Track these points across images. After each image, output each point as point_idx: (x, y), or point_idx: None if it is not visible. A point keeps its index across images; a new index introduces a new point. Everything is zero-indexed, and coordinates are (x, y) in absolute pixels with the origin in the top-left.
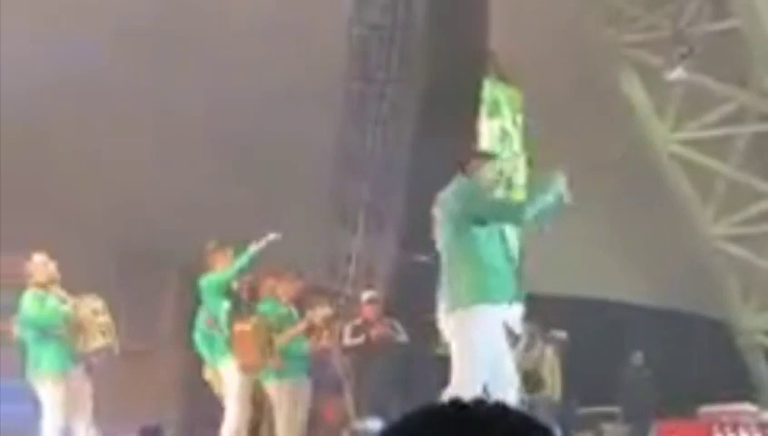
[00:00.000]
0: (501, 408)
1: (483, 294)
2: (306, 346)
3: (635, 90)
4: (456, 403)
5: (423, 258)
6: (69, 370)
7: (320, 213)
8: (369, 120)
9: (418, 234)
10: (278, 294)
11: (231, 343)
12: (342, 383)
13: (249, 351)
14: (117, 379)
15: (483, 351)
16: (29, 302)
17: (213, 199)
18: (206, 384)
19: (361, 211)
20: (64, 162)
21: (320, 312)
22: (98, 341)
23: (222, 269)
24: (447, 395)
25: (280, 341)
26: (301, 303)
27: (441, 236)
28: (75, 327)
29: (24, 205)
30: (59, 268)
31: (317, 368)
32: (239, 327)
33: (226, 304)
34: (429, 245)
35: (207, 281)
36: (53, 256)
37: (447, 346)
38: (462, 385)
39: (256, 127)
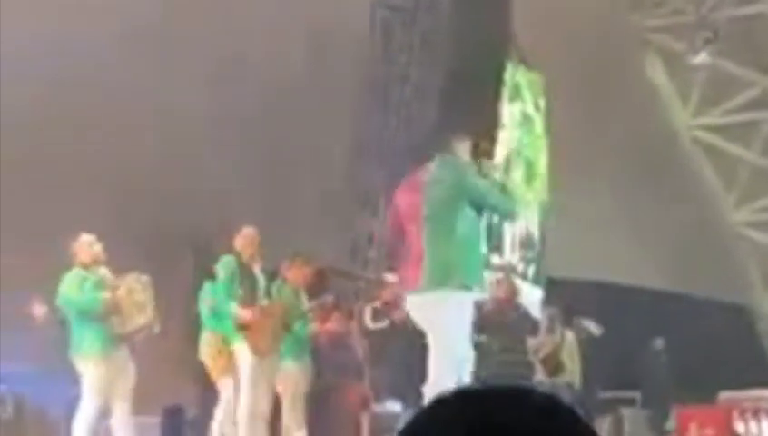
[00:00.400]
0: (528, 389)
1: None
2: (307, 329)
3: (658, 75)
4: (480, 389)
5: None
6: (110, 352)
7: (339, 196)
8: (391, 102)
9: None
10: (288, 279)
11: (242, 326)
12: (362, 366)
13: (261, 334)
14: (137, 360)
15: (460, 331)
16: (68, 283)
17: (234, 183)
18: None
19: (383, 194)
20: (88, 145)
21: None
22: (135, 321)
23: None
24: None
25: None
26: (321, 286)
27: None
28: (114, 309)
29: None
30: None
31: (336, 351)
32: (252, 309)
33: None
34: None
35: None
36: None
37: (474, 331)
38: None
39: (275, 111)
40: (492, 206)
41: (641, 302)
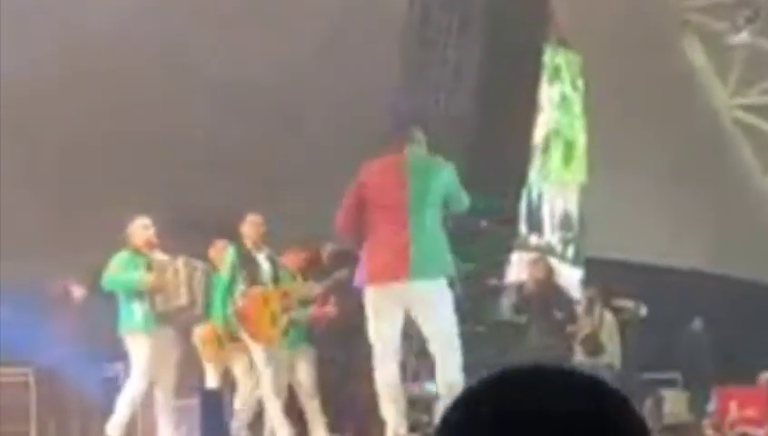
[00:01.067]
0: (572, 370)
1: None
2: (305, 314)
3: (696, 55)
4: (526, 369)
5: (484, 223)
6: (153, 329)
7: None
8: (429, 85)
9: (480, 198)
10: (286, 265)
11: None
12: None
13: (256, 320)
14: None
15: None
16: (116, 263)
17: (267, 162)
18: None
19: None
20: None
21: (342, 274)
22: (177, 302)
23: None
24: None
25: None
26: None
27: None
28: (158, 288)
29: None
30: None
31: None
32: (248, 294)
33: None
34: (492, 209)
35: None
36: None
37: (509, 311)
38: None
39: (314, 93)
40: (462, 203)
41: (681, 282)
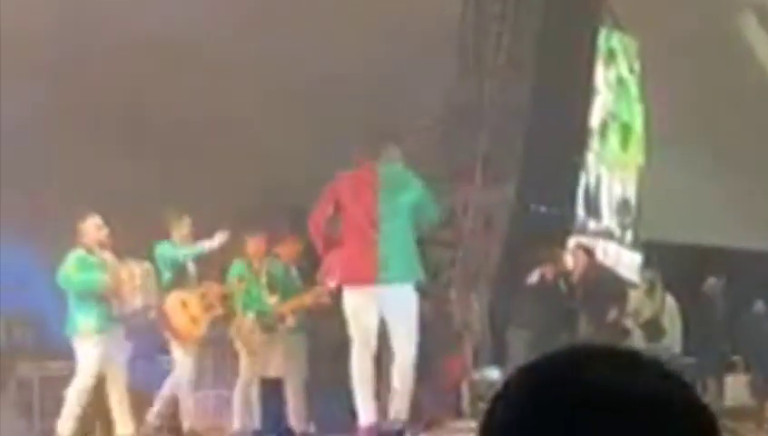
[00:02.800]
0: (635, 352)
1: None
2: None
3: (754, 34)
4: (590, 349)
5: (542, 208)
6: (105, 331)
7: (433, 165)
8: (484, 71)
9: (534, 184)
10: (280, 256)
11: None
12: (462, 336)
13: (175, 322)
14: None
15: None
16: (71, 262)
17: (322, 150)
18: (323, 335)
19: (479, 161)
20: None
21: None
22: (132, 305)
23: None
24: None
25: (285, 308)
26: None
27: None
28: (112, 291)
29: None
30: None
31: (437, 322)
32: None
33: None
34: (546, 195)
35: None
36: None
37: (565, 298)
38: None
39: (368, 79)
40: (432, 215)
41: (742, 264)
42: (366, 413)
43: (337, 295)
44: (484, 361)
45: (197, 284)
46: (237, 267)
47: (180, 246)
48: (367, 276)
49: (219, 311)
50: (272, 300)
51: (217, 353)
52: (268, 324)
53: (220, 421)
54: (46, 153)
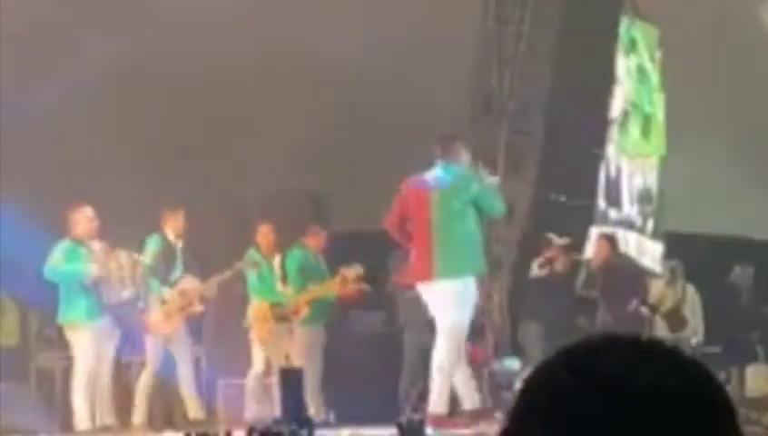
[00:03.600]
0: (659, 342)
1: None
2: (328, 298)
3: None
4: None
5: (562, 198)
6: (95, 320)
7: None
8: (505, 60)
9: (555, 174)
10: (307, 246)
11: None
12: (484, 325)
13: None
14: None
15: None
16: (58, 253)
17: (346, 145)
18: (342, 327)
19: (501, 150)
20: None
21: (354, 270)
22: (120, 295)
23: None
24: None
25: (315, 293)
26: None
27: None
28: (101, 280)
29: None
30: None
31: None
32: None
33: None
34: (566, 185)
35: None
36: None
37: (584, 287)
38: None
39: (390, 70)
40: (494, 209)
41: (764, 255)
42: (437, 402)
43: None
44: (504, 351)
45: (179, 277)
46: (250, 253)
47: (171, 240)
48: (422, 275)
49: (197, 308)
50: (287, 290)
51: (231, 342)
52: (281, 314)
53: (236, 411)
54: (46, 144)
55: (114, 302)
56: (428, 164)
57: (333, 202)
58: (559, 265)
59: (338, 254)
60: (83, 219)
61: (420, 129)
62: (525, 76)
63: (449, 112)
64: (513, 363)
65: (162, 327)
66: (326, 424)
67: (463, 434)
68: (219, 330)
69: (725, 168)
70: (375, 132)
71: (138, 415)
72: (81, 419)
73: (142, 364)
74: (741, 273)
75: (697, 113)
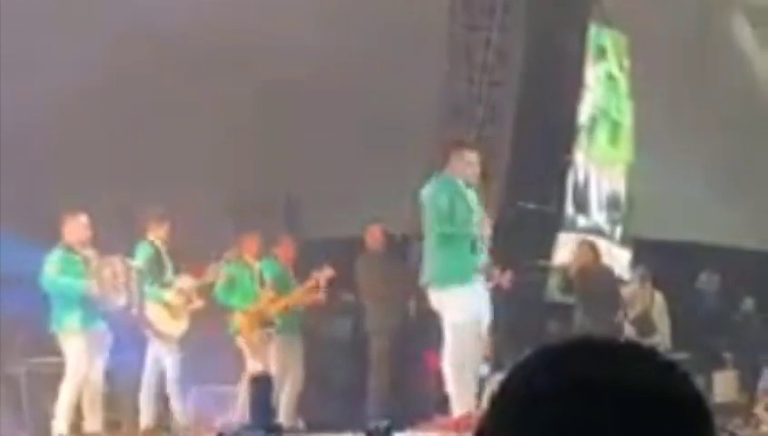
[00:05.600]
0: (638, 344)
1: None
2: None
3: (744, 30)
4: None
5: (530, 205)
6: (90, 327)
7: (426, 160)
8: (474, 67)
9: (524, 182)
10: (277, 255)
11: None
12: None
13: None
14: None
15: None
16: (53, 264)
17: (315, 149)
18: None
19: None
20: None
21: (326, 272)
22: (115, 302)
23: None
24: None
25: (293, 301)
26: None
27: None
28: (95, 287)
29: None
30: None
31: (424, 317)
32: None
33: None
34: (536, 193)
35: None
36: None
37: (556, 292)
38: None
39: (358, 78)
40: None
41: (731, 262)
42: (458, 403)
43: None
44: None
45: (173, 278)
46: (228, 262)
47: (158, 245)
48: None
49: (197, 303)
50: (266, 297)
51: (210, 350)
52: (264, 321)
53: (210, 417)
54: (41, 148)
55: (109, 309)
56: (397, 170)
57: (303, 208)
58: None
59: (305, 261)
60: (78, 226)
61: (388, 135)
62: (493, 83)
63: (418, 119)
64: (483, 370)
65: (171, 329)
66: (294, 431)
67: None
68: (189, 336)
69: (692, 175)
70: (341, 138)
71: (144, 418)
72: (59, 424)
73: (135, 370)
74: (707, 280)
75: (664, 121)
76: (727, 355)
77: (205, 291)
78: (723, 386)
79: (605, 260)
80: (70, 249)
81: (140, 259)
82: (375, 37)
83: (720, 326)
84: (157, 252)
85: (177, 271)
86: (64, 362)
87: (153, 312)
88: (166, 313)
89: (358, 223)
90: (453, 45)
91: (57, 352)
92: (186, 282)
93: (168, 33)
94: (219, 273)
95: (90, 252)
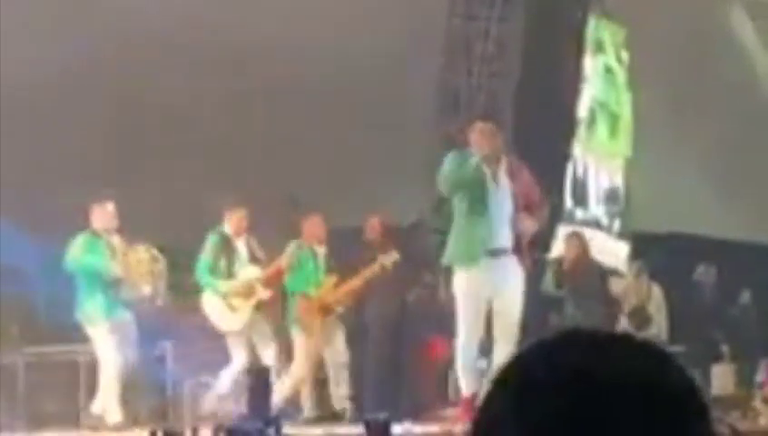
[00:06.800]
0: (632, 335)
1: None
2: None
3: (744, 27)
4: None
5: None
6: (114, 316)
7: (423, 151)
8: (473, 59)
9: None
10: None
11: None
12: (449, 322)
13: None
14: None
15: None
16: (79, 244)
17: (312, 143)
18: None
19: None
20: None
21: (391, 257)
22: (140, 291)
23: None
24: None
25: (354, 284)
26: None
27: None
28: (120, 276)
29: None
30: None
31: (425, 307)
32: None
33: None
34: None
35: None
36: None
37: (550, 284)
38: None
39: (354, 69)
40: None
41: (729, 255)
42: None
43: None
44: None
45: (243, 269)
46: (292, 247)
47: (228, 234)
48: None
49: (263, 294)
50: (330, 283)
51: (201, 340)
52: (327, 307)
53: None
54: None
55: (133, 297)
56: (396, 161)
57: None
58: None
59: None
60: (105, 214)
61: (388, 127)
62: (492, 74)
63: (418, 110)
64: (481, 363)
65: (228, 322)
66: (294, 422)
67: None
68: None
69: (690, 168)
70: (340, 130)
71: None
72: (112, 415)
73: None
74: (705, 272)
75: (663, 114)
76: (725, 348)
77: (272, 281)
78: (720, 379)
79: (599, 253)
80: (95, 234)
81: (206, 248)
82: (373, 30)
83: (717, 319)
84: (226, 242)
85: (252, 260)
86: (61, 352)
87: (210, 304)
88: (223, 307)
89: (357, 215)
90: (452, 37)
91: (53, 342)
92: (252, 272)
93: (168, 32)
94: (290, 261)
95: (115, 239)
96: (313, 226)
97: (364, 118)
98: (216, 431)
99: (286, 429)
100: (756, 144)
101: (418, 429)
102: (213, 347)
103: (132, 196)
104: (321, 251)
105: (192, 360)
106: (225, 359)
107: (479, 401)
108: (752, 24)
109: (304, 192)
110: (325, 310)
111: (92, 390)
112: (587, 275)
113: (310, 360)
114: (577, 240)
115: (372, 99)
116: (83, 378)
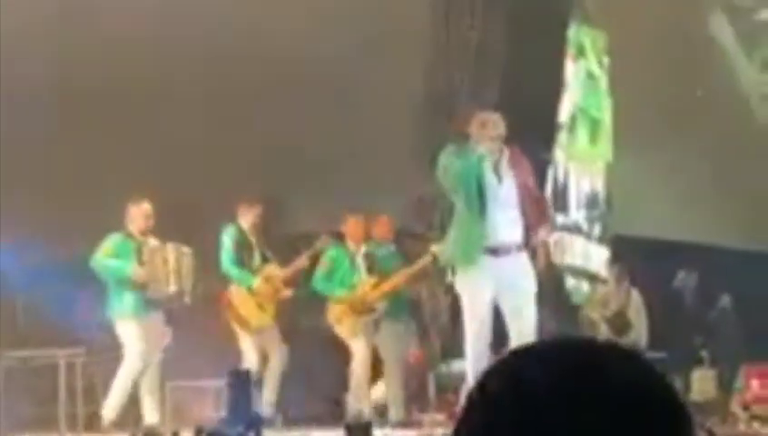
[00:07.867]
0: (614, 344)
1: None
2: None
3: (723, 32)
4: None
5: None
6: (143, 315)
7: (408, 157)
8: (454, 66)
9: None
10: (376, 236)
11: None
12: (428, 327)
13: (243, 310)
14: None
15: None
16: (108, 246)
17: (305, 145)
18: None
19: None
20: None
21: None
22: (167, 290)
23: None
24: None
25: (394, 283)
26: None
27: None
28: (148, 276)
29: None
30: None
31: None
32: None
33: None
34: None
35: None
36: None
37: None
38: None
39: (341, 74)
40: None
41: (709, 260)
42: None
43: None
44: (450, 354)
45: (261, 266)
46: (330, 249)
47: (246, 230)
48: None
49: (287, 293)
50: (369, 282)
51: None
52: (365, 308)
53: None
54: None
55: (161, 296)
56: (381, 165)
57: (286, 203)
58: None
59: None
60: (141, 216)
61: (371, 132)
62: (473, 80)
63: (398, 115)
64: (459, 366)
65: (254, 319)
66: (273, 426)
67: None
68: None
69: (671, 173)
70: (321, 133)
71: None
72: (108, 412)
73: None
74: (685, 278)
75: (644, 119)
76: (705, 353)
77: (293, 280)
78: (700, 384)
79: (580, 258)
80: (128, 236)
81: (225, 242)
82: (356, 36)
83: (698, 324)
84: (244, 237)
85: (264, 259)
86: (40, 356)
87: (239, 299)
88: (251, 303)
89: (338, 218)
90: (434, 43)
91: (31, 345)
92: (274, 270)
93: (167, 32)
94: (315, 260)
95: (149, 240)
96: (354, 226)
97: (347, 124)
98: (197, 433)
99: (267, 433)
100: (737, 150)
101: (398, 433)
102: (196, 350)
103: (161, 196)
104: (360, 251)
105: (176, 362)
106: (208, 361)
107: (459, 410)
108: (732, 29)
109: (302, 191)
110: (363, 310)
111: (72, 393)
112: (562, 281)
113: (368, 361)
114: (543, 249)
115: (355, 106)
116: (62, 382)
